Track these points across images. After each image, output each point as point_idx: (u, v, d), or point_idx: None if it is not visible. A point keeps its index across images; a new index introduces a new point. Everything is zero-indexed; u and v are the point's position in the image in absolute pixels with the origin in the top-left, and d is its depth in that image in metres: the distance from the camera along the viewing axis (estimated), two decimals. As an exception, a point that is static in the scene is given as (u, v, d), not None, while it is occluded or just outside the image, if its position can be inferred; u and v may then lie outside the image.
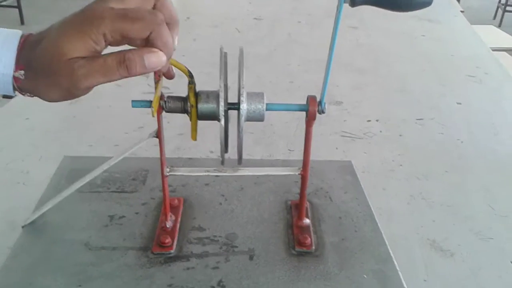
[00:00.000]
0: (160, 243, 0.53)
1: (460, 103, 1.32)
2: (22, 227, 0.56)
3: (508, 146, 1.11)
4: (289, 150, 1.05)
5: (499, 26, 4.78)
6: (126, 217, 0.58)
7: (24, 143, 1.05)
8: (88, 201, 0.60)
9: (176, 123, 1.06)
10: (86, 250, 0.52)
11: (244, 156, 0.55)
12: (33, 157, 1.00)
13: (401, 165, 1.03)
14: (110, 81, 0.39)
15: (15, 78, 0.39)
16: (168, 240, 0.54)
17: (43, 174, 0.92)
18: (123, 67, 0.38)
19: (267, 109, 0.52)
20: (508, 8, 5.13)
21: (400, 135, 1.15)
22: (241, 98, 0.48)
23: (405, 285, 0.53)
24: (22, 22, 4.52)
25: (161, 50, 0.39)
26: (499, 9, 5.25)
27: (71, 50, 0.37)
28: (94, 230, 0.55)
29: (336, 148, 1.08)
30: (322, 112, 0.54)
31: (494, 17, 5.30)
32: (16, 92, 0.41)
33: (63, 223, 0.56)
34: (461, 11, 2.60)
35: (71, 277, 0.49)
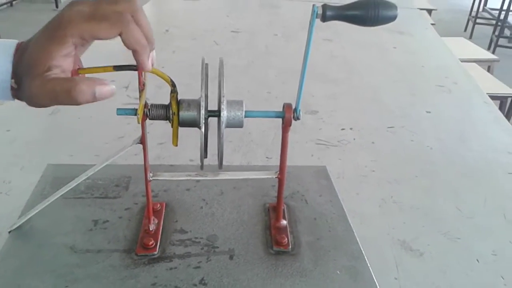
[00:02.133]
0: (143, 245, 0.56)
1: (429, 112, 1.38)
2: (9, 232, 0.58)
3: (476, 152, 1.17)
4: (266, 157, 1.08)
5: (470, 38, 4.95)
6: (110, 222, 0.60)
7: (6, 154, 1.06)
8: (73, 206, 0.62)
9: (157, 133, 1.08)
10: (72, 253, 0.54)
11: (224, 163, 0.58)
12: (15, 167, 1.01)
13: (373, 171, 1.07)
14: (61, 104, 0.41)
15: (12, 87, 0.42)
16: (151, 242, 0.56)
17: (25, 183, 0.93)
18: (70, 96, 0.40)
19: (246, 116, 0.55)
20: (478, 20, 5.33)
21: (373, 143, 1.20)
22: (222, 106, 0.52)
23: (375, 280, 0.56)
24: (-3, 35, 4.48)
25: (135, 49, 0.41)
26: (470, 21, 5.44)
27: (44, 57, 0.39)
28: (79, 234, 0.57)
29: (312, 155, 1.12)
30: (297, 118, 0.58)
31: (465, 29, 5.49)
32: (16, 99, 0.44)
33: (49, 227, 0.58)
34: (432, 24, 2.70)
35: (58, 278, 0.51)
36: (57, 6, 5.63)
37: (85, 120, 1.21)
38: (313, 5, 0.49)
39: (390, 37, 2.05)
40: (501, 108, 2.22)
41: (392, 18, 0.51)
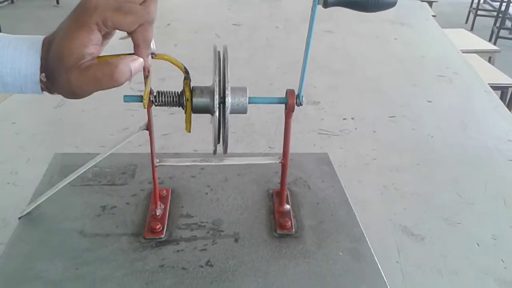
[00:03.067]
0: (151, 229, 0.57)
1: (430, 101, 1.39)
2: (19, 218, 0.59)
3: (476, 141, 1.18)
4: (269, 147, 1.09)
5: (471, 30, 4.95)
6: (118, 207, 0.61)
7: (12, 146, 1.07)
8: (81, 193, 0.64)
9: (161, 124, 1.10)
10: (81, 237, 0.56)
11: (228, 150, 0.59)
12: (21, 159, 1.02)
13: (375, 159, 1.08)
14: (103, 89, 0.43)
15: (41, 80, 0.43)
16: (158, 226, 0.58)
17: (32, 174, 0.95)
18: (113, 79, 0.41)
19: (249, 102, 0.56)
20: (479, 12, 5.31)
21: (374, 132, 1.21)
22: (226, 92, 0.53)
23: (376, 260, 0.58)
24: (-2, 32, 4.49)
25: (143, 46, 0.43)
26: (471, 13, 5.43)
27: (76, 46, 0.41)
28: (88, 219, 0.59)
29: (314, 145, 1.13)
30: (300, 104, 0.59)
31: (466, 21, 5.47)
32: (44, 92, 0.45)
33: (58, 213, 0.60)
34: (433, 16, 2.71)
35: (69, 261, 0.52)
36: (57, 2, 5.63)
37: (90, 113, 1.22)
38: (314, -9, 0.50)
39: (391, 29, 2.06)
40: (502, 98, 2.23)
41: (392, 4, 0.52)
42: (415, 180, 1.02)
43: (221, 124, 0.56)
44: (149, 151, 0.57)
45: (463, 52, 1.89)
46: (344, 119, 1.26)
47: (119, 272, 0.51)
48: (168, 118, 1.15)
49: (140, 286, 0.50)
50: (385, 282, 0.54)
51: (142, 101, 0.52)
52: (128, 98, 0.52)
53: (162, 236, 0.57)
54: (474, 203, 0.95)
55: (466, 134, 1.21)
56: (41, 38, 0.44)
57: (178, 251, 0.55)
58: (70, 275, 0.51)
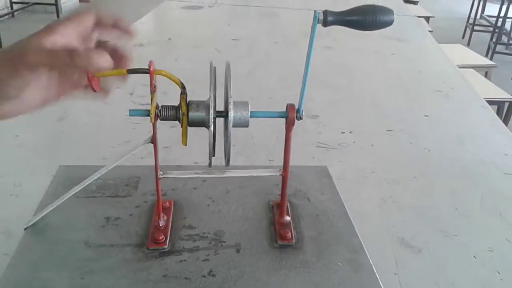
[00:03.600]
0: (154, 239, 0.59)
1: (427, 116, 1.41)
2: (25, 229, 0.60)
3: (472, 155, 1.20)
4: (268, 160, 1.11)
5: (468, 45, 5.01)
6: (121, 218, 0.63)
7: (15, 158, 1.09)
8: (85, 205, 0.65)
9: (162, 137, 1.11)
10: (86, 248, 0.57)
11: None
12: (24, 171, 1.04)
13: (373, 172, 1.10)
14: None
15: None
16: (161, 237, 0.59)
17: (35, 186, 0.96)
18: None
19: (251, 116, 0.58)
20: (476, 27, 5.38)
21: (372, 145, 1.22)
22: (229, 107, 0.55)
23: (375, 271, 0.59)
24: (0, 45, 4.53)
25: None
26: (467, 28, 5.50)
27: None
28: (92, 230, 0.60)
29: (313, 158, 1.15)
30: (300, 118, 0.61)
31: (463, 37, 5.54)
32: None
33: (63, 224, 0.61)
34: (430, 31, 2.75)
35: (74, 271, 0.54)
36: (58, 16, 5.69)
37: (92, 126, 1.24)
38: (315, 11, 0.52)
39: (388, 44, 2.09)
40: (498, 113, 2.25)
41: (389, 23, 0.54)
42: (413, 193, 1.03)
43: (225, 138, 0.57)
44: (151, 164, 0.58)
45: (460, 67, 1.92)
46: (343, 132, 1.28)
47: (124, 281, 0.53)
48: (169, 131, 1.16)
49: (144, 296, 0.51)
50: (383, 292, 0.55)
51: (148, 115, 0.53)
52: (133, 112, 0.54)
53: (165, 246, 0.59)
54: (471, 215, 0.96)
55: (463, 148, 1.23)
56: None
57: (181, 261, 0.57)
58: (76, 284, 0.52)
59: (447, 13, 6.78)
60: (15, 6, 5.66)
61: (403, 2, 3.01)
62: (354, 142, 1.24)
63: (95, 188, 0.68)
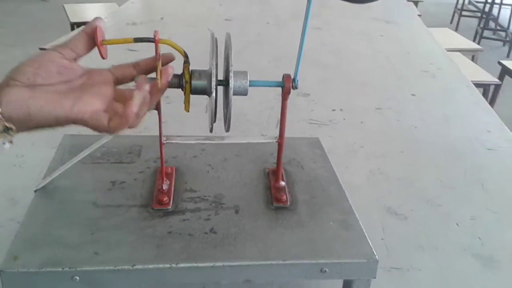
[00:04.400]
0: (158, 201, 0.62)
1: (414, 95, 1.45)
2: (35, 191, 0.64)
3: (457, 131, 1.25)
4: (262, 134, 1.15)
5: (456, 30, 5.06)
6: (126, 182, 0.66)
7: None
8: (91, 170, 0.68)
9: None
10: (94, 208, 0.61)
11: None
12: (26, 142, 1.06)
13: (362, 147, 1.15)
14: None
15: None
16: (165, 198, 0.63)
17: (37, 157, 0.99)
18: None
19: (250, 85, 0.62)
20: (464, 13, 5.44)
21: (361, 122, 1.27)
22: (230, 75, 0.58)
23: (363, 229, 0.63)
24: (-14, 25, 4.48)
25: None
26: (456, 14, 5.55)
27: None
28: (100, 192, 0.64)
29: (304, 133, 1.19)
30: (295, 87, 0.65)
31: (451, 21, 5.60)
32: None
33: (71, 187, 0.64)
34: (418, 15, 2.79)
35: (84, 228, 0.57)
36: (45, -4, 5.62)
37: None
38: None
39: (377, 26, 2.13)
40: (484, 95, 2.31)
41: (379, -4, 0.57)
42: (399, 166, 1.08)
43: (224, 105, 0.61)
44: (152, 134, 0.62)
45: (447, 51, 1.97)
46: (333, 110, 1.32)
47: (131, 237, 0.56)
48: (167, 107, 1.20)
49: (151, 249, 0.55)
50: (371, 247, 0.60)
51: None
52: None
53: (169, 207, 0.62)
54: (455, 187, 1.02)
55: (448, 126, 1.28)
56: None
57: (184, 220, 0.61)
58: (87, 239, 0.55)
59: (436, -3, 6.82)
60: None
61: (392, -14, 3.03)
62: (344, 119, 1.28)
63: (99, 155, 0.72)
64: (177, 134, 1.13)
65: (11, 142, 0.48)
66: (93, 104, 0.49)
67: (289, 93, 0.64)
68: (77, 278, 0.51)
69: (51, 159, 0.72)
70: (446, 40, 2.65)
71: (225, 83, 0.60)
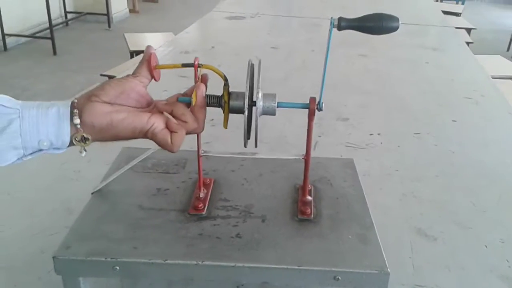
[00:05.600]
0: (194, 207, 0.70)
1: (455, 121, 1.47)
2: (92, 193, 0.74)
3: (495, 156, 1.26)
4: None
5: (512, 57, 4.91)
6: (170, 190, 0.75)
7: (75, 150, 1.23)
8: (141, 178, 0.78)
9: (203, 134, 1.24)
10: (139, 210, 0.70)
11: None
12: (83, 160, 1.17)
13: (397, 170, 1.18)
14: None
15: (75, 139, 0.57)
16: (201, 205, 0.70)
17: (93, 173, 1.10)
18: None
19: (278, 106, 0.69)
20: (521, 40, 5.28)
21: (398, 146, 1.30)
22: (258, 96, 0.66)
23: (380, 244, 0.67)
24: (54, 53, 4.86)
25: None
26: (512, 41, 5.40)
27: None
28: (146, 197, 0.73)
29: (341, 156, 1.24)
30: (320, 109, 0.71)
31: (508, 49, 5.44)
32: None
33: (122, 191, 0.74)
34: (470, 42, 2.77)
35: (129, 226, 0.66)
36: (109, 26, 6.02)
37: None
38: (331, 17, 0.62)
39: (423, 53, 2.15)
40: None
41: (395, 29, 0.63)
42: (433, 190, 1.11)
43: (256, 124, 0.68)
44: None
45: (496, 78, 1.95)
46: (371, 134, 1.37)
47: (167, 236, 0.65)
48: (210, 129, 1.29)
49: (183, 247, 0.63)
50: (384, 260, 0.64)
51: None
52: (182, 99, 0.66)
53: (203, 213, 0.70)
54: (487, 211, 1.03)
55: (486, 151, 1.29)
56: (67, 105, 0.55)
57: (214, 225, 0.68)
58: (129, 236, 0.64)
59: (493, 25, 6.67)
60: (69, 16, 6.04)
61: (442, 14, 3.04)
62: (381, 143, 1.32)
63: (150, 165, 0.81)
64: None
65: (85, 150, 0.58)
66: (162, 123, 0.59)
67: (313, 114, 0.70)
68: (117, 268, 0.60)
69: (104, 174, 0.82)
70: (496, 67, 2.61)
71: (253, 103, 0.67)
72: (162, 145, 0.59)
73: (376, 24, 0.61)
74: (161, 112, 0.60)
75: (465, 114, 1.52)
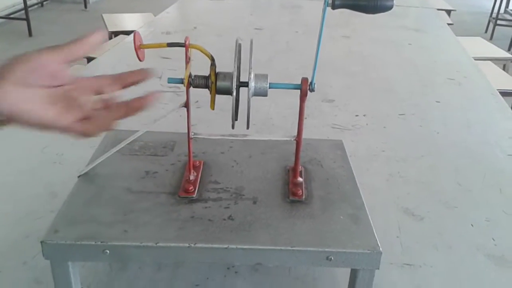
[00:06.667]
0: (185, 189, 0.69)
1: (439, 102, 1.48)
2: (78, 176, 0.72)
3: (479, 137, 1.27)
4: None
5: (490, 39, 4.99)
6: (159, 172, 0.73)
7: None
8: (129, 161, 0.76)
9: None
10: (128, 193, 0.68)
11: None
12: (65, 142, 1.15)
13: (383, 151, 1.19)
14: None
15: None
16: (191, 187, 0.69)
17: (76, 155, 1.08)
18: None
19: (270, 87, 0.68)
20: (499, 22, 5.35)
21: (384, 127, 1.31)
22: (250, 77, 0.64)
23: (372, 224, 0.68)
24: (30, 34, 4.72)
25: None
26: (491, 23, 5.47)
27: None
28: (134, 180, 0.71)
29: (328, 137, 1.24)
30: (312, 90, 0.70)
31: (486, 31, 5.51)
32: None
33: (110, 175, 0.72)
34: (450, 24, 2.79)
35: (118, 209, 0.65)
36: (85, 7, 5.87)
37: (125, 104, 1.35)
38: (325, -5, 0.61)
39: (406, 34, 2.16)
40: (515, 104, 2.29)
41: (389, 7, 0.62)
42: (419, 170, 1.11)
43: (248, 105, 0.67)
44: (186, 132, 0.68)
45: (477, 59, 1.97)
46: (357, 115, 1.37)
47: (158, 219, 0.63)
48: (195, 111, 1.27)
49: (175, 230, 0.62)
50: (376, 240, 0.64)
51: (183, 83, 0.64)
52: (171, 80, 0.64)
53: (194, 196, 0.69)
54: (472, 190, 1.04)
55: (470, 131, 1.30)
56: None
57: (206, 207, 0.67)
58: (119, 219, 0.63)
59: (471, 7, 6.73)
60: (45, -4, 5.87)
61: (423, -5, 3.04)
62: (367, 124, 1.32)
63: (137, 148, 0.79)
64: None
65: None
66: (76, 114, 0.51)
67: (306, 95, 0.69)
68: (108, 251, 0.59)
69: (89, 157, 0.80)
70: (477, 49, 2.64)
71: (246, 84, 0.66)
72: (75, 138, 0.52)
73: (370, 3, 0.60)
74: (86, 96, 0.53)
75: (449, 95, 1.53)
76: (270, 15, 2.47)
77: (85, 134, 0.52)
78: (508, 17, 5.69)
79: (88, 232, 0.60)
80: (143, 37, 0.65)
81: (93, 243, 0.59)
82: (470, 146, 1.23)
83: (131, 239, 0.60)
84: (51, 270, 0.61)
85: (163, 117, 0.71)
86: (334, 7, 0.62)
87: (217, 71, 0.66)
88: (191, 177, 0.71)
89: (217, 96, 0.67)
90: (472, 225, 0.94)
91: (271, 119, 1.32)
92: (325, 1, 0.61)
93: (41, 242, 0.58)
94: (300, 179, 0.76)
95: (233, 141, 0.84)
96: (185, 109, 0.68)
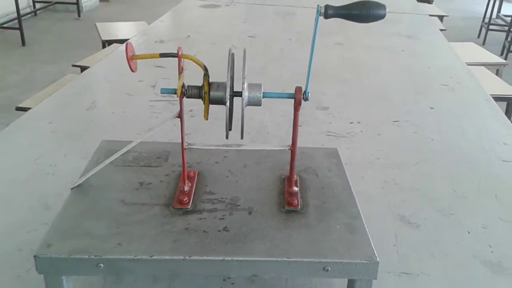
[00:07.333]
0: (179, 201, 0.68)
1: (432, 108, 1.48)
2: (71, 189, 0.71)
3: (473, 143, 1.27)
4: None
5: (483, 44, 5.02)
6: (153, 183, 0.73)
7: (50, 143, 1.19)
8: (122, 172, 0.75)
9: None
10: (122, 205, 0.67)
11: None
12: (58, 153, 1.14)
13: (378, 158, 1.18)
14: None
15: None
16: (186, 199, 0.69)
17: (69, 167, 1.07)
18: None
19: (263, 97, 0.67)
20: (491, 27, 5.39)
21: (379, 134, 1.31)
22: (243, 87, 0.64)
23: (368, 233, 0.67)
24: (23, 43, 4.70)
25: None
26: (483, 28, 5.51)
27: None
28: (128, 191, 0.70)
29: (322, 145, 1.23)
30: (306, 99, 0.70)
31: (478, 36, 5.55)
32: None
33: (103, 186, 0.71)
34: (442, 30, 2.80)
35: (111, 222, 0.64)
36: (79, 15, 5.86)
37: (118, 115, 1.35)
38: (318, 5, 0.61)
39: (399, 41, 2.16)
40: (508, 109, 2.30)
41: (382, 16, 0.63)
42: (414, 177, 1.11)
43: (242, 115, 0.67)
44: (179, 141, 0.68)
45: (470, 65, 1.98)
46: (351, 123, 1.37)
47: (152, 231, 0.63)
48: (189, 120, 1.27)
49: (169, 243, 0.61)
50: (373, 249, 0.64)
51: (176, 93, 0.63)
52: (164, 90, 0.64)
53: (188, 207, 0.68)
54: (467, 197, 1.04)
55: (465, 137, 1.30)
56: None
57: (200, 218, 0.66)
58: (113, 232, 0.62)
59: (463, 12, 6.78)
60: (38, 5, 5.85)
61: (416, 1, 3.06)
62: (361, 131, 1.32)
63: (131, 159, 0.79)
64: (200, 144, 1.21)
65: None
66: None
67: (300, 104, 0.69)
68: (102, 265, 0.58)
69: (82, 168, 0.79)
70: (470, 55, 2.65)
71: (239, 94, 0.66)
72: None
73: (363, 12, 0.60)
74: None
75: (442, 102, 1.54)
76: (263, 22, 2.48)
77: None
78: (500, 22, 5.73)
79: (82, 245, 0.59)
80: (137, 46, 0.64)
81: (87, 257, 0.58)
82: (465, 152, 1.23)
83: (125, 253, 0.59)
84: (44, 284, 0.60)
85: (157, 127, 0.70)
86: (326, 16, 0.62)
87: (210, 81, 0.66)
88: (186, 188, 0.71)
89: (211, 105, 0.67)
90: (468, 232, 0.93)
91: (265, 127, 1.31)
92: (317, 11, 0.61)
93: (34, 256, 0.58)
94: (295, 189, 0.76)
95: (228, 151, 0.84)
96: (179, 119, 0.67)
